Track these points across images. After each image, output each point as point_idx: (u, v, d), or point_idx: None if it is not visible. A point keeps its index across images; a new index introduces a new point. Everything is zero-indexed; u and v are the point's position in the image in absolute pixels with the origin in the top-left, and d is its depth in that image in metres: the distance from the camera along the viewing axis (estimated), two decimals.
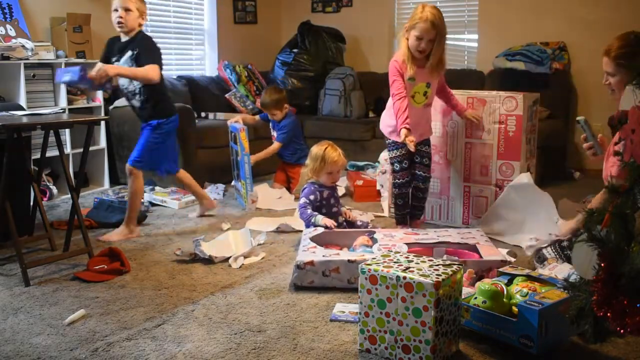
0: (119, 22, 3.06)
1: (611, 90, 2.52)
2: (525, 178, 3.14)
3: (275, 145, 4.27)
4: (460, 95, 3.37)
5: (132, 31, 3.09)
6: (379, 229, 3.06)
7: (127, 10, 3.04)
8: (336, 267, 2.43)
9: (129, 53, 3.09)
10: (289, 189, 4.28)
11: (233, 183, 4.23)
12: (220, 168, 4.53)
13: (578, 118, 2.64)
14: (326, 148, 3.12)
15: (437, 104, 3.43)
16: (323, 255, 2.48)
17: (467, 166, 3.39)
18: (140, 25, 3.12)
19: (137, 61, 3.06)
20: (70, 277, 2.62)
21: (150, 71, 3.03)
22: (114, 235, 3.18)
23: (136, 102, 3.22)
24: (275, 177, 4.43)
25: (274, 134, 4.33)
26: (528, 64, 4.96)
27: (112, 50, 3.17)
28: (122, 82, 3.19)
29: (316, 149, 3.16)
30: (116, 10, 3.05)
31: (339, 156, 3.14)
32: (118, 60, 3.12)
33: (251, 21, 6.29)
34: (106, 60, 3.17)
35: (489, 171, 3.32)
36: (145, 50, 3.08)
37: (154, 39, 3.18)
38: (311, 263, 2.43)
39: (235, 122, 4.05)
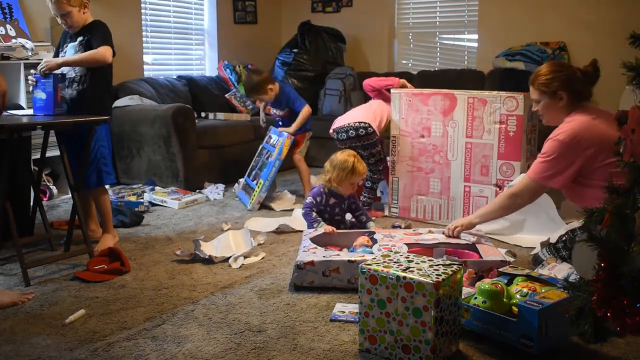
0: (67, 27, 2.93)
1: (541, 116, 2.79)
2: None
3: (305, 110, 4.09)
4: (460, 95, 3.38)
5: (83, 24, 2.93)
6: (379, 229, 3.06)
7: (65, 15, 2.87)
8: (336, 267, 2.43)
9: (80, 38, 2.92)
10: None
11: (243, 180, 4.19)
12: (220, 168, 4.54)
13: None
14: (354, 161, 3.09)
15: (438, 104, 3.44)
16: (323, 256, 2.48)
17: (467, 166, 3.39)
18: (85, 14, 2.93)
19: (87, 46, 2.89)
20: (70, 277, 2.62)
21: (101, 51, 2.83)
22: (108, 242, 3.04)
23: (72, 92, 2.95)
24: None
25: (275, 111, 4.23)
26: (528, 64, 4.96)
27: (63, 40, 3.03)
28: (64, 69, 2.94)
29: (342, 159, 3.10)
30: (57, 16, 2.91)
31: (365, 168, 3.17)
32: (67, 47, 2.98)
33: (251, 21, 6.30)
34: (57, 53, 3.06)
35: (489, 171, 3.32)
36: (96, 32, 2.90)
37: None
38: (311, 263, 2.43)
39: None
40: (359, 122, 3.63)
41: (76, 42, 2.93)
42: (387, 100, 3.77)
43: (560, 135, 2.57)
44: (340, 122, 3.74)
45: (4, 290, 2.39)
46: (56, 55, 3.07)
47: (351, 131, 3.62)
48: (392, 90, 3.65)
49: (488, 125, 3.30)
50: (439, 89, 3.54)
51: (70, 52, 2.93)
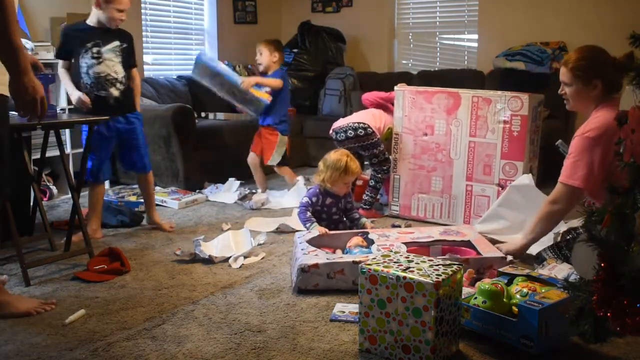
0: (120, 21, 3.11)
1: (566, 100, 2.62)
2: (527, 179, 3.14)
3: (276, 81, 3.99)
4: (465, 94, 3.39)
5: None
6: (371, 228, 3.05)
7: (124, 12, 3.12)
8: (341, 269, 2.41)
9: (116, 43, 3.14)
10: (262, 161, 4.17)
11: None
12: (220, 168, 4.53)
13: (556, 143, 2.73)
14: (347, 160, 3.07)
15: (442, 102, 3.44)
16: (327, 258, 2.46)
17: (470, 165, 3.39)
18: None
19: (126, 54, 3.18)
20: (70, 277, 2.62)
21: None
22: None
23: (115, 91, 3.16)
24: (252, 147, 4.19)
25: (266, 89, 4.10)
26: (528, 64, 4.96)
27: (84, 38, 3.09)
28: (101, 68, 3.09)
29: (335, 159, 3.08)
30: (122, 11, 3.08)
31: (358, 167, 3.15)
32: (99, 47, 3.08)
33: (251, 21, 6.29)
34: (69, 52, 3.10)
35: (492, 170, 3.32)
36: (133, 51, 3.27)
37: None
38: (315, 266, 2.41)
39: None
40: (357, 123, 3.63)
41: (112, 46, 3.13)
42: (387, 110, 3.78)
43: (590, 132, 2.45)
44: (339, 122, 3.75)
45: (23, 297, 2.34)
46: (75, 53, 3.09)
47: (350, 131, 3.62)
48: (395, 88, 3.65)
49: (492, 124, 3.30)
50: (443, 88, 3.53)
51: (110, 55, 3.12)
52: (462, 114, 3.39)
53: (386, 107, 3.81)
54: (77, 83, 3.14)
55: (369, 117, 3.69)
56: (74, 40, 3.11)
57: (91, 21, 3.14)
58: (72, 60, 3.13)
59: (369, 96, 3.88)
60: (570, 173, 2.49)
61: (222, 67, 4.00)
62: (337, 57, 5.97)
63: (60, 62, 3.19)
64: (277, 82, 4.00)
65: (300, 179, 4.14)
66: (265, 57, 4.06)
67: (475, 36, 5.67)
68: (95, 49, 3.09)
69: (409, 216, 3.63)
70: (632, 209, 1.47)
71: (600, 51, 2.53)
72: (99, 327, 2.11)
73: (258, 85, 4.03)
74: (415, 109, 3.54)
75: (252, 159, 4.19)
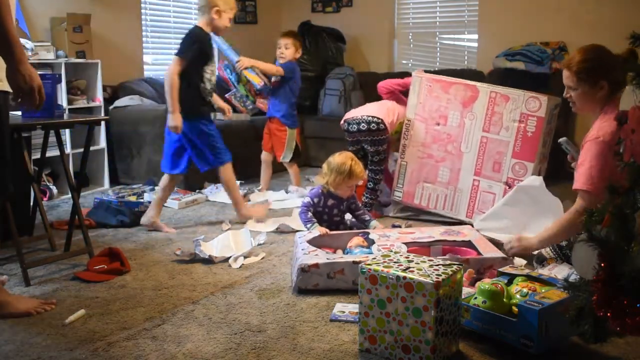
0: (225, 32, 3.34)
1: (572, 104, 2.58)
2: (537, 181, 3.12)
3: (273, 67, 4.06)
4: (483, 88, 3.39)
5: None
6: (372, 229, 3.05)
7: None
8: (341, 268, 2.41)
9: None
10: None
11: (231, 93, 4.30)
12: None
13: (560, 140, 2.71)
14: (351, 164, 3.05)
15: (459, 94, 3.44)
16: (327, 258, 2.46)
17: (479, 160, 3.38)
18: None
19: None
20: (70, 277, 2.62)
21: None
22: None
23: (210, 98, 3.36)
24: (263, 144, 4.27)
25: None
26: (528, 64, 4.96)
27: (212, 46, 3.28)
28: (215, 77, 3.34)
29: (339, 162, 3.06)
30: (231, 21, 3.29)
31: (362, 170, 3.14)
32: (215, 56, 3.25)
33: (251, 21, 6.29)
34: (205, 53, 3.20)
35: (501, 168, 3.31)
36: None
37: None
38: (316, 266, 2.41)
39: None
40: (372, 116, 3.55)
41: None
42: (400, 102, 3.75)
43: (603, 136, 2.39)
44: (353, 113, 3.68)
45: (23, 297, 2.34)
46: (204, 57, 3.24)
47: (363, 124, 3.54)
48: (413, 73, 3.63)
49: (507, 122, 3.29)
50: (462, 80, 3.51)
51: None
52: (477, 108, 3.37)
53: (399, 98, 3.76)
54: (190, 87, 3.19)
55: (384, 111, 3.60)
56: (209, 46, 3.19)
57: (208, 30, 3.20)
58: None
59: (384, 84, 3.82)
60: (587, 179, 2.42)
61: (220, 42, 4.01)
62: (337, 57, 5.97)
63: (177, 63, 3.19)
64: (274, 69, 4.01)
65: (294, 189, 4.16)
66: (290, 52, 4.12)
67: (475, 36, 5.68)
68: (215, 58, 3.23)
69: (412, 204, 3.59)
70: (632, 209, 1.47)
71: (602, 50, 2.49)
72: (99, 327, 2.11)
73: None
74: (430, 97, 3.52)
75: (265, 156, 4.25)
